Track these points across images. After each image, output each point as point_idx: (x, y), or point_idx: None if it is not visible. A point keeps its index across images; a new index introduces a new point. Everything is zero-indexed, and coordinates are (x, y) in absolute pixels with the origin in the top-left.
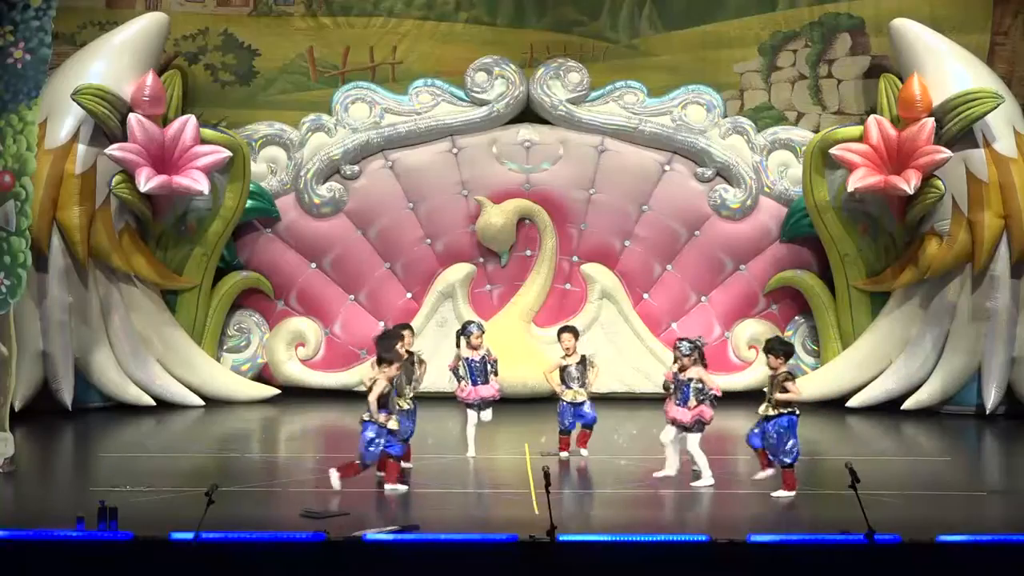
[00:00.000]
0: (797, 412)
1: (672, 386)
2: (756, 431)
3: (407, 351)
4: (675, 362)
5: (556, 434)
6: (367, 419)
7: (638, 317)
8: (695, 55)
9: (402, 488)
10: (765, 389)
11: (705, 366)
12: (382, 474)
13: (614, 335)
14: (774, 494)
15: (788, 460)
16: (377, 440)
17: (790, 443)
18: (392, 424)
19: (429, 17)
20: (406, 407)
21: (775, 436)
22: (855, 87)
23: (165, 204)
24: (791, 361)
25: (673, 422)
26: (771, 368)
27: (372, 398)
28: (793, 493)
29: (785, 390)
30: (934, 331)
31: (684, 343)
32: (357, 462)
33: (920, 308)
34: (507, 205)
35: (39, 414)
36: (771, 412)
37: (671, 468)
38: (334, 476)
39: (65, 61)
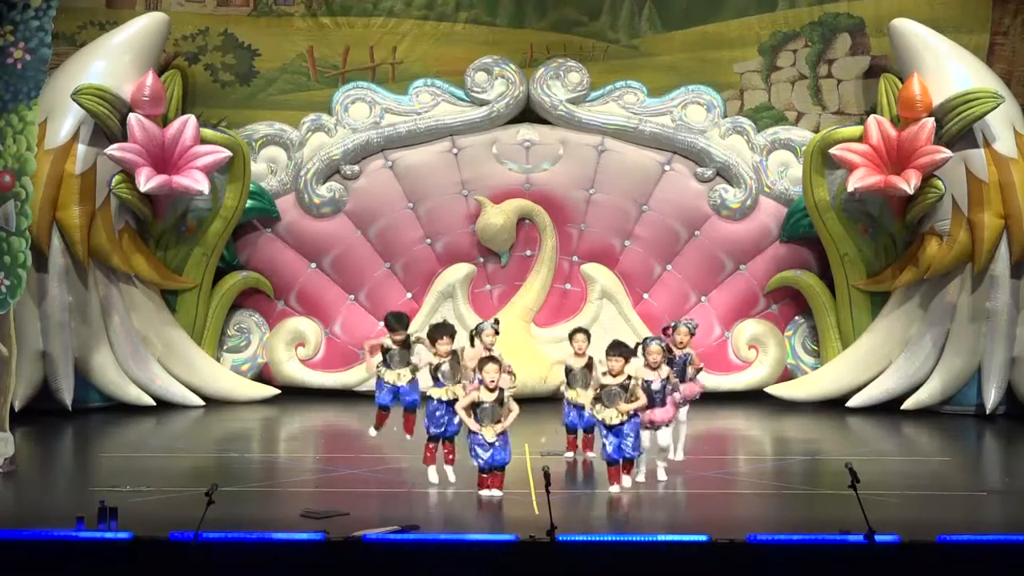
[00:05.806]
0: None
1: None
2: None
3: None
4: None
5: (556, 434)
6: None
7: (638, 317)
8: (695, 55)
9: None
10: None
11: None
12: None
13: (614, 335)
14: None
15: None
16: (439, 416)
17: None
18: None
19: (429, 17)
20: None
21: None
22: (855, 87)
23: (165, 204)
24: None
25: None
26: (613, 372)
27: (460, 406)
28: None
29: (634, 398)
30: (934, 331)
31: (689, 323)
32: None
33: (920, 308)
34: (507, 205)
35: (39, 414)
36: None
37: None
38: (430, 473)
39: (65, 61)
